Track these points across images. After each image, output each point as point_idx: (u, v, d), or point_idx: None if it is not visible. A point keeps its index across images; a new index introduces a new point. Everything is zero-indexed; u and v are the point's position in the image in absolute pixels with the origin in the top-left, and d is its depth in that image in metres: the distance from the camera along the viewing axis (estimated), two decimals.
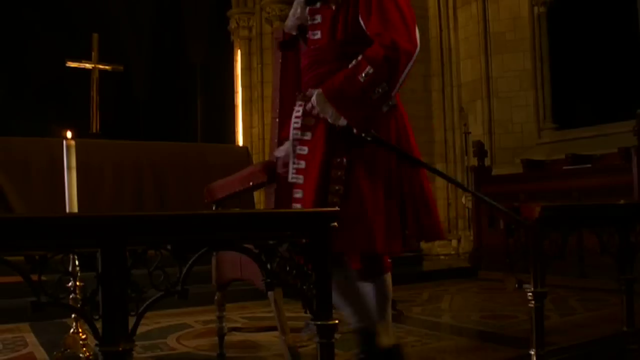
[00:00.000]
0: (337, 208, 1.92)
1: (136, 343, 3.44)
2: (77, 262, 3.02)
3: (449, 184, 8.30)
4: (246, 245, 1.69)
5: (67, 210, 3.03)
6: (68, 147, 3.01)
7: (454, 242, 8.25)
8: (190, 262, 1.58)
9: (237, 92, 8.78)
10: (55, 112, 9.35)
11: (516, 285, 2.41)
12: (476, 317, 3.80)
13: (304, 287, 1.75)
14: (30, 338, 3.44)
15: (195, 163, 6.01)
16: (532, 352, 2.36)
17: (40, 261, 1.44)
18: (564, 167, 6.04)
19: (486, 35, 7.99)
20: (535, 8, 7.88)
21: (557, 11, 7.86)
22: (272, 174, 2.39)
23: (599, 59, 7.50)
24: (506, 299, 4.65)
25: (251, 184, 2.54)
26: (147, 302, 1.55)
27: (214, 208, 2.87)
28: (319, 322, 1.74)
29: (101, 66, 7.18)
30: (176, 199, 5.81)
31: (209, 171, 6.04)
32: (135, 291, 1.51)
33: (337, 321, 1.75)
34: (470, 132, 7.98)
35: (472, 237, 7.94)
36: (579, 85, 7.70)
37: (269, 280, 1.71)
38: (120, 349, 1.48)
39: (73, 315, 2.88)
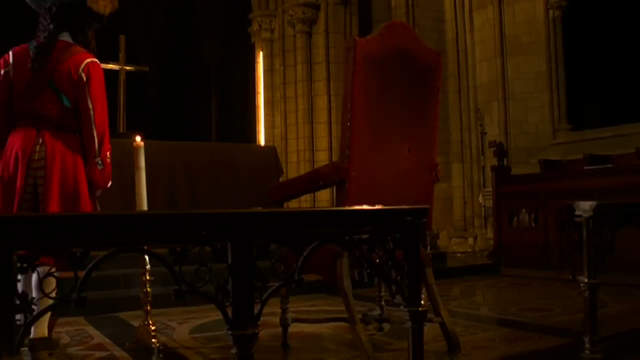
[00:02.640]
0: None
1: (196, 335, 3.60)
2: (147, 259, 3.21)
3: (466, 183, 8.49)
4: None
5: (137, 208, 3.20)
6: (137, 148, 3.19)
7: (470, 240, 8.43)
8: (305, 254, 1.76)
9: (258, 93, 8.92)
10: None
11: (570, 277, 2.60)
12: (513, 309, 3.98)
13: (398, 276, 1.93)
14: (92, 331, 3.61)
15: (225, 163, 6.17)
16: (586, 339, 2.54)
17: (181, 253, 1.60)
18: (585, 167, 6.20)
19: (502, 38, 8.16)
20: (551, 11, 8.04)
21: (572, 14, 8.02)
22: (345, 173, 2.58)
23: (614, 61, 7.68)
24: (534, 293, 4.83)
25: (321, 183, 2.73)
26: (270, 290, 1.73)
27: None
28: (410, 309, 1.91)
29: (127, 67, 7.30)
30: (208, 198, 5.97)
31: (238, 170, 6.22)
32: (260, 280, 1.68)
33: (427, 307, 1.92)
34: (486, 133, 8.18)
35: (487, 235, 8.13)
36: (593, 87, 7.89)
37: (369, 270, 1.90)
38: (249, 332, 1.64)
39: (147, 308, 3.06)
